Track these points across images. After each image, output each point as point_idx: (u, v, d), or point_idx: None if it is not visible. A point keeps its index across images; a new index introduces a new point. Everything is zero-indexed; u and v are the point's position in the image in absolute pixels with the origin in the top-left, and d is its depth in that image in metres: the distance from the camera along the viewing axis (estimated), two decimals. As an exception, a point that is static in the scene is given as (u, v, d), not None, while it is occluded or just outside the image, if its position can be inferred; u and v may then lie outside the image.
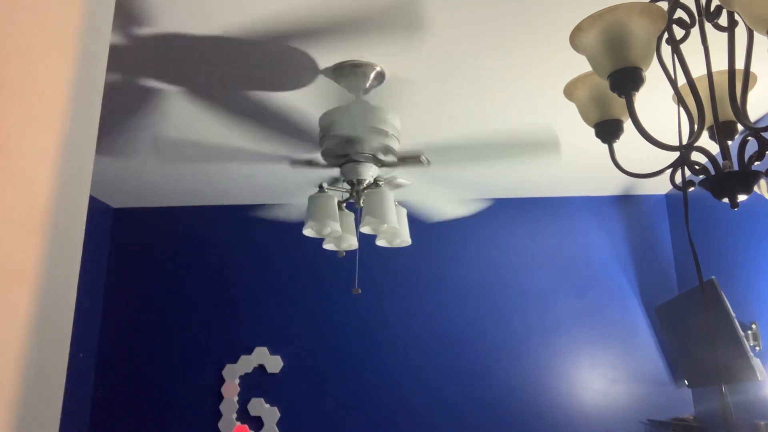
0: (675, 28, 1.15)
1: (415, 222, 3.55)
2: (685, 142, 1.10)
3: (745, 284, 2.81)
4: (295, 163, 2.41)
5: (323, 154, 2.20)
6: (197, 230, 3.84)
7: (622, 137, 1.24)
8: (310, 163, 2.35)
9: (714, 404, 3.18)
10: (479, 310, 3.58)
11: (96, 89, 0.73)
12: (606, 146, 1.25)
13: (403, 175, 2.36)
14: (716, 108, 1.11)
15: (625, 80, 1.05)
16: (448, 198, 2.72)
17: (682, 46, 1.14)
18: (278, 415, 3.45)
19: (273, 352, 3.57)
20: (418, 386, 3.47)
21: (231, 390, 3.49)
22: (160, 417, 3.51)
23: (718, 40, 1.16)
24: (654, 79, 1.41)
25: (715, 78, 1.13)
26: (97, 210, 3.73)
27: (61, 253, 0.64)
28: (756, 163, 1.06)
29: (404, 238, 2.40)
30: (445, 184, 3.27)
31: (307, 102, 2.47)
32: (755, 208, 2.70)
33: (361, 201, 2.21)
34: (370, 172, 2.22)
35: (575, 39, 1.09)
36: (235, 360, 3.55)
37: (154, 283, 3.77)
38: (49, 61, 0.65)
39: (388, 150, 2.14)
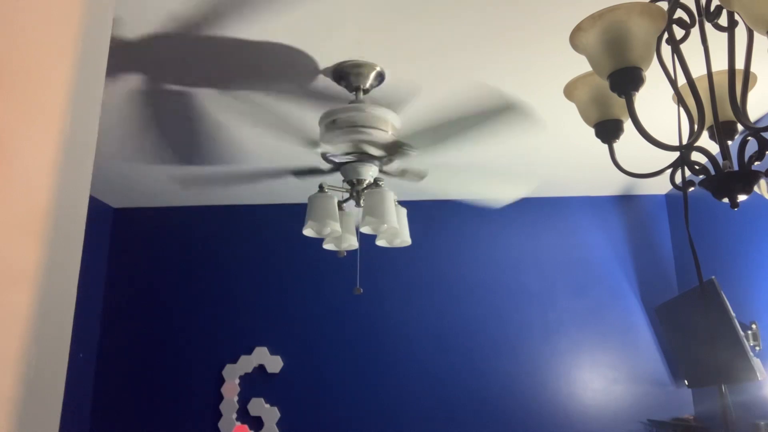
0: (675, 28, 1.15)
1: (416, 222, 3.55)
2: (685, 142, 1.10)
3: (745, 284, 2.81)
4: (299, 173, 2.41)
5: (324, 150, 2.19)
6: (197, 230, 3.84)
7: (622, 137, 1.24)
8: (313, 172, 2.35)
9: (714, 404, 3.18)
10: (479, 310, 3.58)
11: (96, 89, 0.73)
12: (606, 146, 1.25)
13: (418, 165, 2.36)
14: (716, 108, 1.11)
15: (625, 80, 1.05)
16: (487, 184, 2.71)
17: (682, 46, 1.14)
18: (278, 415, 3.45)
19: (273, 352, 3.57)
20: (418, 386, 3.47)
21: (231, 390, 3.49)
22: (160, 417, 3.51)
23: (718, 40, 1.16)
24: (654, 79, 1.41)
25: (715, 78, 1.13)
26: (97, 210, 3.73)
27: (61, 253, 0.64)
28: (756, 163, 1.06)
29: (404, 238, 2.40)
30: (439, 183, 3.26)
31: (307, 102, 2.47)
32: (755, 208, 2.70)
33: (361, 201, 2.21)
34: (370, 172, 2.22)
35: (575, 39, 1.09)
36: (235, 360, 3.55)
37: (154, 283, 3.77)
38: (49, 61, 0.65)
39: (392, 159, 2.15)
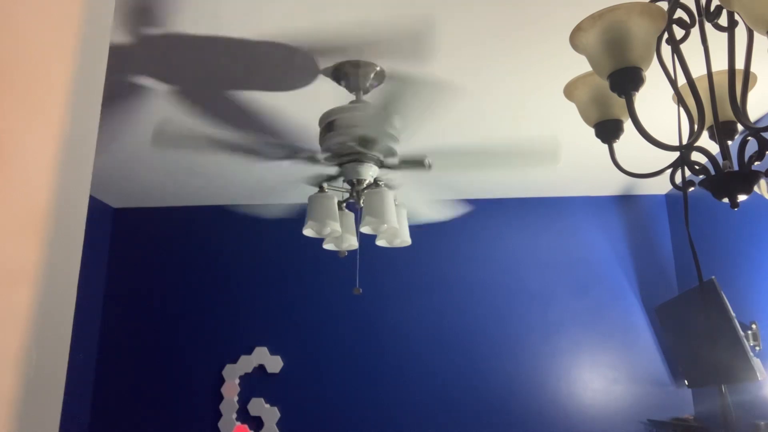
0: (675, 28, 1.15)
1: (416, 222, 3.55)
2: (685, 142, 1.10)
3: (745, 284, 2.81)
4: (295, 155, 2.38)
5: (324, 150, 2.19)
6: (197, 230, 3.84)
7: (622, 137, 1.24)
8: (310, 159, 2.34)
9: (714, 404, 3.18)
10: (479, 310, 3.58)
11: (96, 89, 0.73)
12: (606, 146, 1.25)
13: (398, 176, 2.36)
14: (716, 108, 1.11)
15: (625, 80, 1.05)
16: (429, 199, 2.72)
17: (682, 46, 1.14)
18: (278, 415, 3.45)
19: (273, 352, 3.57)
20: (418, 386, 3.47)
21: (231, 390, 3.49)
22: (160, 417, 3.51)
23: (718, 40, 1.16)
24: (654, 79, 1.41)
25: (715, 78, 1.13)
26: (97, 210, 3.73)
27: (61, 253, 0.64)
28: (756, 163, 1.06)
29: (404, 238, 2.40)
30: (439, 183, 3.26)
31: (307, 102, 2.47)
32: (755, 208, 2.70)
33: (361, 201, 2.21)
34: (370, 172, 2.22)
35: (575, 39, 1.09)
36: (235, 360, 3.55)
37: (154, 283, 3.77)
38: (49, 61, 0.65)
39: (391, 152, 2.15)
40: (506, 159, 2.33)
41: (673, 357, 3.38)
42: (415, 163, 2.21)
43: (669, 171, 1.19)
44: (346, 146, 2.11)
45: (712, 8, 1.13)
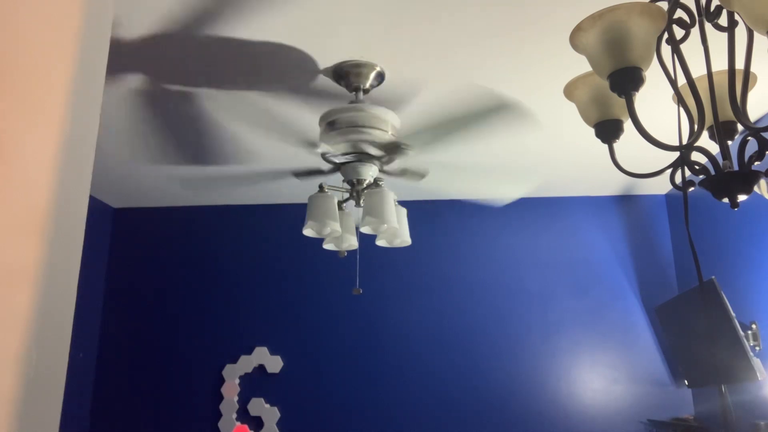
0: (675, 28, 1.15)
1: (416, 222, 3.55)
2: (685, 142, 1.10)
3: (745, 284, 2.81)
4: (299, 174, 2.41)
5: (325, 148, 2.19)
6: (197, 230, 3.84)
7: (622, 137, 1.24)
8: (314, 173, 2.35)
9: (714, 404, 3.18)
10: (479, 310, 3.58)
11: (96, 89, 0.73)
12: (606, 146, 1.25)
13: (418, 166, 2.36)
14: (716, 108, 1.11)
15: (625, 80, 1.05)
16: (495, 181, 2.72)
17: (682, 46, 1.14)
18: (278, 415, 3.45)
19: (273, 352, 3.57)
20: (418, 386, 3.46)
21: (231, 390, 3.49)
22: (160, 417, 3.51)
23: (718, 40, 1.16)
24: (654, 79, 1.41)
25: (715, 78, 1.13)
26: (97, 210, 3.73)
27: (61, 253, 0.64)
28: (756, 163, 1.06)
29: (404, 238, 2.40)
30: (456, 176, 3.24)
31: (307, 102, 2.47)
32: (755, 208, 2.70)
33: (361, 201, 2.21)
34: (370, 172, 2.22)
35: (575, 39, 1.09)
36: (235, 360, 3.55)
37: (154, 283, 3.77)
38: (49, 61, 0.65)
39: (394, 159, 2.16)
40: (474, 118, 2.29)
41: (673, 357, 3.38)
42: (416, 174, 2.22)
43: (669, 171, 1.19)
44: (353, 146, 2.11)
45: (712, 8, 1.13)
